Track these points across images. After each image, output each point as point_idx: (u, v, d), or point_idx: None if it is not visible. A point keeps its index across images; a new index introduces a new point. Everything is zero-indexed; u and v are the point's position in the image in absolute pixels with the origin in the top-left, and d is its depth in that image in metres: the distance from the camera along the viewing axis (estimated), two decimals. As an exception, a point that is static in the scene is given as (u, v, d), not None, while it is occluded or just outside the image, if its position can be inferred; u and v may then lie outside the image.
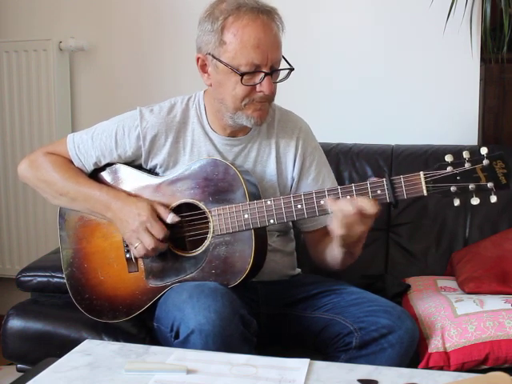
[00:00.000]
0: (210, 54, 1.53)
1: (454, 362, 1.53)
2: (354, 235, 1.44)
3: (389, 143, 2.26)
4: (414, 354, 1.54)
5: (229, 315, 1.38)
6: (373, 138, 2.30)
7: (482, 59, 2.35)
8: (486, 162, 1.34)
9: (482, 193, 1.35)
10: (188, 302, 1.40)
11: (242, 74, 1.49)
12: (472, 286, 1.77)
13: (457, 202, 1.37)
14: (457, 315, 1.60)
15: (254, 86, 1.52)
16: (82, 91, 2.77)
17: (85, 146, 1.65)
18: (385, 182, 1.40)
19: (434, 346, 1.55)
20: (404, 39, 2.40)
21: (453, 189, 1.35)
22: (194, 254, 1.56)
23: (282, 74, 1.58)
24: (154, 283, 1.59)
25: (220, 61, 1.51)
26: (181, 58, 2.60)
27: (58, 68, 2.67)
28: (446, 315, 1.61)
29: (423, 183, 1.37)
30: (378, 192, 1.40)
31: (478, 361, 1.53)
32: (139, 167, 1.66)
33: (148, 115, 1.63)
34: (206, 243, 1.54)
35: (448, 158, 1.36)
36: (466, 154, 1.35)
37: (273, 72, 1.52)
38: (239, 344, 1.40)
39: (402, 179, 1.39)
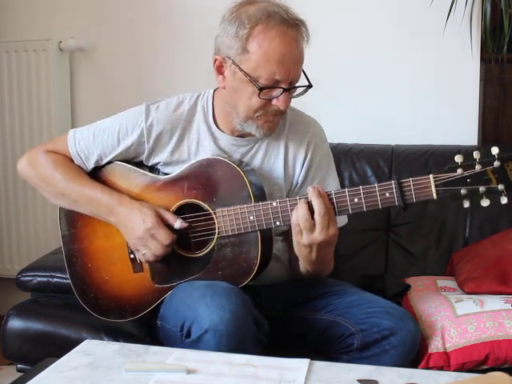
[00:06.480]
0: (229, 58, 1.49)
1: (454, 363, 1.52)
2: (305, 244, 1.44)
3: (389, 143, 2.26)
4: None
5: (243, 315, 1.37)
6: (373, 137, 2.30)
7: (482, 59, 2.35)
8: (497, 163, 1.30)
9: (493, 195, 1.31)
10: (201, 301, 1.39)
11: (261, 89, 1.46)
12: (472, 286, 1.77)
13: (466, 204, 1.33)
14: (457, 315, 1.60)
15: (269, 100, 1.49)
16: (82, 91, 2.77)
17: (86, 142, 1.62)
18: (393, 185, 1.37)
19: (434, 346, 1.55)
20: (404, 39, 2.40)
21: (463, 192, 1.32)
22: (200, 254, 1.55)
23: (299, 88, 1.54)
24: (159, 283, 1.58)
25: (240, 68, 1.48)
26: (181, 58, 2.60)
27: (58, 68, 2.67)
28: (446, 315, 1.61)
29: (433, 186, 1.33)
30: (387, 195, 1.38)
31: (478, 361, 1.53)
32: (140, 164, 1.64)
33: (154, 112, 1.60)
34: (211, 244, 1.53)
35: (458, 159, 1.32)
36: (476, 155, 1.31)
37: (291, 88, 1.50)
38: (251, 345, 1.39)
39: (411, 182, 1.36)
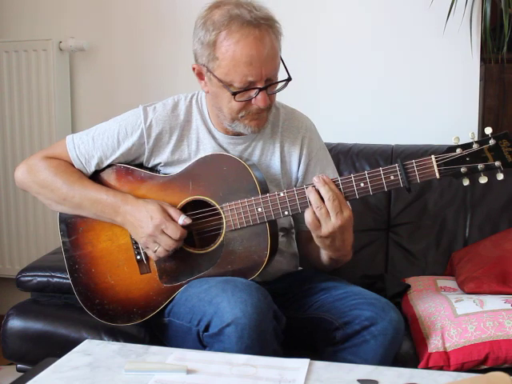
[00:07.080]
0: (204, 65, 1.52)
1: (454, 362, 1.53)
2: (326, 234, 1.43)
3: (389, 143, 2.26)
4: (412, 350, 1.55)
5: (264, 310, 1.38)
6: (373, 138, 2.31)
7: (482, 59, 2.35)
8: (492, 141, 1.38)
9: (490, 171, 1.39)
10: (222, 296, 1.40)
11: (234, 93, 1.48)
12: (472, 286, 1.77)
13: (466, 182, 1.40)
14: (457, 315, 1.60)
15: (249, 100, 1.50)
16: (82, 91, 2.77)
17: (85, 146, 1.62)
18: (397, 168, 1.41)
19: (434, 345, 1.55)
20: (404, 39, 2.40)
21: (463, 170, 1.39)
22: (208, 250, 1.55)
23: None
24: (168, 283, 1.57)
25: (214, 75, 1.50)
26: (180, 58, 2.60)
27: (58, 68, 2.68)
28: (445, 315, 1.61)
29: (435, 166, 1.39)
30: (392, 177, 1.41)
31: (477, 361, 1.53)
32: (140, 167, 1.64)
33: (152, 113, 1.61)
34: (220, 239, 1.53)
35: (456, 140, 1.39)
36: (471, 135, 1.39)
37: (268, 85, 1.50)
38: (271, 339, 1.40)
39: (414, 164, 1.40)
